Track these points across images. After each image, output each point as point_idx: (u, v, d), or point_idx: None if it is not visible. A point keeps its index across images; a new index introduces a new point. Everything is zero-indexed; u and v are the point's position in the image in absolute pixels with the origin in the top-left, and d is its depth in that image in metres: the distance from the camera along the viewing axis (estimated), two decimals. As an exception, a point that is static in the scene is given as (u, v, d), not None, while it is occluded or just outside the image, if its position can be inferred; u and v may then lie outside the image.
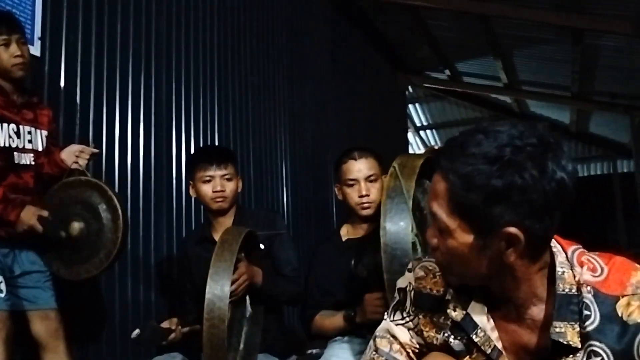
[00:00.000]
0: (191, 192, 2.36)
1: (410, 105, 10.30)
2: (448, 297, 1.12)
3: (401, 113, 9.21)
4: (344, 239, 2.33)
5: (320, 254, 2.36)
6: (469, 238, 1.02)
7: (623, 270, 1.05)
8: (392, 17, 6.80)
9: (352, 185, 2.21)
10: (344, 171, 2.23)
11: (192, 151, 3.22)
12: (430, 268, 1.18)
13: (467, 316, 1.10)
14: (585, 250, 1.10)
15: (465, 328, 1.10)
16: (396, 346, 1.21)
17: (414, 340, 1.20)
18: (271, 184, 4.18)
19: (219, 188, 2.26)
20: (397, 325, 1.21)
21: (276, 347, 2.32)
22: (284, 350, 2.38)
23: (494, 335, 1.09)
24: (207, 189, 2.28)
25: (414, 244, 1.81)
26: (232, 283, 2.01)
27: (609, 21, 6.05)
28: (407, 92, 9.56)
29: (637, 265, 1.07)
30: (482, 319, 1.10)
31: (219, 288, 1.71)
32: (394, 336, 1.22)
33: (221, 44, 3.71)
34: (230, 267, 1.76)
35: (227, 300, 1.70)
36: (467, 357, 1.12)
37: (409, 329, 1.20)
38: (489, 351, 1.09)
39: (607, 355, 1.01)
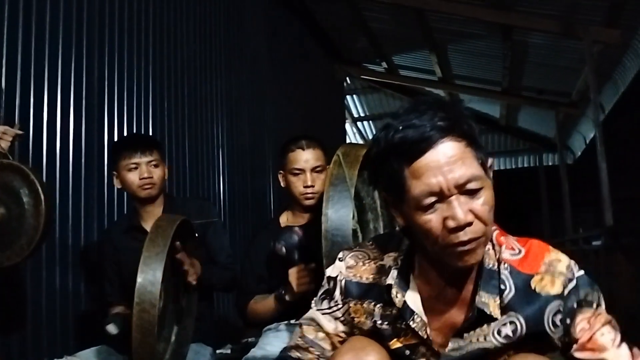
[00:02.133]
0: (116, 182, 2.29)
1: (348, 96, 10.39)
2: (390, 281, 1.15)
3: (339, 104, 9.29)
4: (282, 226, 2.33)
5: (257, 241, 2.36)
6: (489, 181, 1.08)
7: (539, 252, 1.14)
8: (330, 8, 6.83)
9: (297, 175, 2.20)
10: (291, 160, 2.22)
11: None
12: (361, 257, 1.22)
13: (405, 303, 1.14)
14: (502, 232, 1.18)
15: (403, 315, 1.15)
16: (321, 334, 1.24)
17: (339, 329, 1.23)
18: (207, 171, 4.14)
19: (145, 175, 2.21)
20: (323, 314, 1.24)
21: (210, 335, 2.31)
22: (218, 338, 2.37)
23: (426, 319, 1.14)
24: (133, 177, 2.22)
25: (354, 231, 1.83)
26: (185, 273, 1.99)
27: (537, 19, 6.30)
28: (345, 83, 9.63)
29: (552, 247, 1.15)
30: (417, 304, 1.15)
31: (151, 273, 1.68)
32: (319, 325, 1.24)
33: (157, 29, 3.62)
34: (163, 253, 1.74)
35: (158, 286, 1.68)
36: (396, 339, 1.17)
37: (335, 318, 1.23)
38: (422, 335, 1.14)
39: (521, 324, 1.10)
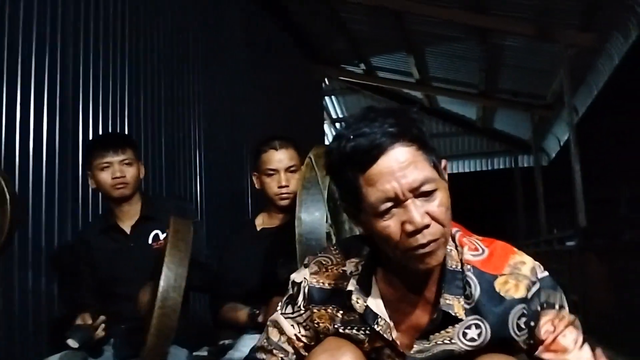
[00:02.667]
0: (90, 182, 2.24)
1: (326, 97, 10.41)
2: (351, 287, 1.17)
3: (317, 104, 9.29)
4: (258, 228, 2.31)
5: (233, 243, 2.33)
6: (443, 182, 1.09)
7: (503, 253, 1.16)
8: (309, 8, 6.83)
9: (271, 175, 2.19)
10: (264, 160, 2.20)
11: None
12: (324, 263, 1.23)
13: (367, 308, 1.15)
14: (466, 233, 1.20)
15: (366, 320, 1.15)
16: (284, 337, 1.26)
17: (301, 334, 1.24)
18: (184, 172, 4.10)
19: (118, 174, 2.17)
20: (286, 318, 1.26)
21: (186, 338, 2.28)
22: (195, 341, 2.34)
23: (391, 322, 1.15)
24: (105, 177, 2.18)
25: (328, 234, 1.83)
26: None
27: (513, 22, 6.38)
28: (323, 84, 9.64)
29: (516, 249, 1.17)
30: (379, 308, 1.16)
31: (173, 278, 1.67)
32: (282, 328, 1.26)
33: (132, 28, 3.58)
34: (186, 258, 1.72)
35: (181, 291, 1.66)
36: (367, 344, 1.18)
37: (297, 323, 1.24)
38: (388, 337, 1.15)
39: (486, 327, 1.11)
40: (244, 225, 2.44)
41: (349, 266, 1.20)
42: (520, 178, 12.26)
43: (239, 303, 2.19)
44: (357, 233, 1.99)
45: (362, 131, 1.05)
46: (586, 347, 1.13)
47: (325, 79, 9.60)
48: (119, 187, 2.18)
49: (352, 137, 1.05)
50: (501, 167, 13.02)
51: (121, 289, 2.16)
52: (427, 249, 1.05)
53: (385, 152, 1.04)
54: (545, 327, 1.11)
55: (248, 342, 2.09)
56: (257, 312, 2.07)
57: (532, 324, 1.11)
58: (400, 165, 1.04)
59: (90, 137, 3.06)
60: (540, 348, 1.12)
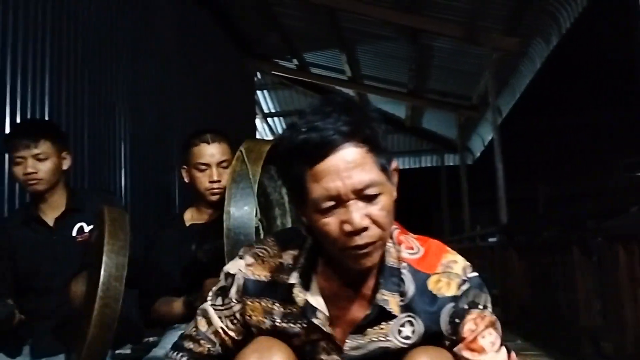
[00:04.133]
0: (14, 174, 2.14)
1: (258, 92, 10.34)
2: (292, 280, 1.15)
3: (249, 99, 9.20)
4: (187, 223, 2.25)
5: (161, 239, 2.27)
6: (390, 185, 1.09)
7: (437, 252, 1.18)
8: (242, 2, 6.76)
9: (203, 170, 2.13)
10: (195, 154, 2.13)
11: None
12: (260, 254, 1.21)
13: (307, 302, 1.15)
14: (403, 231, 1.21)
15: (305, 313, 1.15)
16: (212, 329, 1.24)
17: (228, 329, 1.23)
18: (108, 164, 3.96)
19: (29, 170, 2.05)
20: (215, 310, 1.24)
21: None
22: (118, 339, 2.26)
23: (328, 314, 1.15)
24: (18, 172, 2.07)
25: (257, 228, 1.81)
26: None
27: (443, 24, 6.54)
28: (255, 78, 9.56)
29: (449, 248, 1.20)
30: (319, 302, 1.15)
31: (114, 266, 1.62)
32: (210, 320, 1.24)
33: (56, 16, 3.41)
34: (126, 247, 1.68)
35: (123, 280, 1.62)
36: (297, 337, 1.17)
37: (226, 317, 1.23)
38: (327, 330, 1.15)
39: (419, 325, 1.13)
40: (172, 220, 2.38)
41: (286, 258, 1.19)
42: (446, 176, 12.64)
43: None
44: (284, 229, 1.98)
45: (314, 125, 1.04)
46: (503, 350, 1.16)
47: (258, 73, 9.53)
48: (31, 183, 2.07)
49: (303, 129, 1.04)
50: (428, 165, 13.37)
51: (41, 283, 2.07)
52: (363, 251, 1.06)
53: (334, 150, 1.03)
54: (467, 325, 1.14)
55: (173, 338, 2.04)
56: (193, 298, 2.02)
57: (458, 321, 1.14)
58: (347, 166, 1.03)
59: (7, 127, 2.89)
60: (460, 345, 1.14)
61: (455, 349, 1.14)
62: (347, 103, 1.09)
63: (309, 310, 1.14)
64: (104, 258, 1.63)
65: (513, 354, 1.19)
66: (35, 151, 2.06)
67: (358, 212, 1.03)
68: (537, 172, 13.89)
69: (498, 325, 1.18)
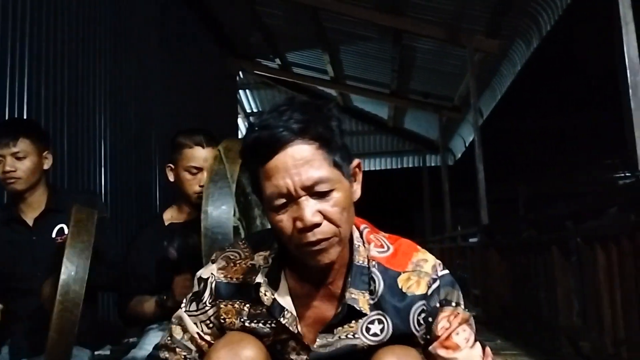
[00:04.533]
0: None
1: (241, 91, 10.29)
2: (259, 280, 1.16)
3: (231, 98, 9.15)
4: (167, 223, 2.24)
5: (140, 239, 2.26)
6: (346, 182, 1.09)
7: (407, 251, 1.19)
8: (224, 0, 6.72)
9: (194, 174, 2.10)
10: (188, 157, 2.10)
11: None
12: (232, 257, 1.22)
13: (275, 301, 1.15)
14: (374, 230, 1.22)
15: (273, 313, 1.16)
16: (187, 335, 1.24)
17: (204, 333, 1.23)
18: (88, 163, 3.91)
19: (7, 168, 2.03)
20: (190, 316, 1.24)
21: (89, 337, 2.18)
22: (97, 340, 2.24)
23: (296, 314, 1.16)
24: None
25: (236, 228, 1.80)
26: None
27: (425, 25, 6.57)
28: (238, 78, 9.52)
29: (420, 247, 1.21)
30: (287, 301, 1.16)
31: (74, 270, 1.59)
32: (185, 326, 1.24)
33: (35, 12, 3.35)
34: (88, 249, 1.65)
35: (83, 284, 1.59)
36: (272, 337, 1.18)
37: (201, 322, 1.23)
38: (294, 330, 1.15)
39: (388, 323, 1.14)
40: (152, 220, 2.36)
41: (258, 259, 1.20)
42: (427, 177, 12.69)
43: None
44: (256, 232, 1.97)
45: (267, 123, 1.06)
46: (477, 345, 1.18)
47: (240, 73, 9.48)
48: (9, 182, 2.06)
49: (257, 128, 1.07)
50: (410, 165, 13.41)
51: (20, 284, 2.05)
52: (317, 247, 1.06)
53: (283, 147, 1.04)
54: (441, 323, 1.15)
55: (152, 339, 2.03)
56: (165, 297, 2.00)
57: (430, 319, 1.15)
58: (295, 163, 1.04)
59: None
60: (435, 343, 1.15)
61: (430, 347, 1.15)
62: (305, 102, 1.11)
63: (276, 309, 1.15)
64: (64, 261, 1.61)
65: (488, 349, 1.20)
66: (14, 150, 2.04)
67: (309, 209, 1.04)
68: (518, 173, 14.02)
69: (472, 321, 1.19)
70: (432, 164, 12.74)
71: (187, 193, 2.13)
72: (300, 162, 1.04)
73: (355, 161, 1.13)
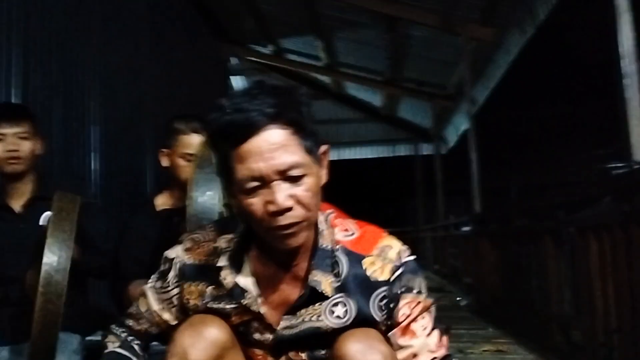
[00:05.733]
0: None
1: (232, 77, 10.22)
2: (221, 263, 1.19)
3: (223, 83, 9.09)
4: (158, 208, 2.22)
5: (132, 225, 2.24)
6: (316, 167, 1.11)
7: (373, 236, 1.21)
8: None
9: (189, 160, 2.06)
10: (184, 143, 2.08)
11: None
12: (197, 239, 1.25)
13: (236, 284, 1.17)
14: (341, 215, 1.24)
15: (234, 294, 1.18)
16: (150, 309, 1.29)
17: (165, 312, 1.27)
18: (78, 150, 3.87)
19: (11, 147, 2.02)
20: (153, 292, 1.28)
21: (79, 323, 2.16)
22: (88, 326, 2.22)
23: (259, 298, 1.18)
24: None
25: (222, 214, 1.78)
26: None
27: (420, 12, 6.53)
28: (229, 64, 9.46)
29: (386, 234, 1.22)
30: (248, 282, 1.18)
31: (56, 260, 1.56)
32: (149, 301, 1.29)
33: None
34: (71, 238, 1.62)
35: (66, 274, 1.57)
36: (235, 317, 1.19)
37: (163, 300, 1.27)
38: (255, 310, 1.17)
39: (351, 306, 1.16)
40: (143, 205, 2.34)
41: (220, 242, 1.22)
42: (420, 165, 12.71)
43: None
44: (225, 216, 1.96)
45: (240, 106, 1.06)
46: (434, 333, 1.19)
47: (232, 58, 9.42)
48: (11, 162, 2.03)
49: (229, 111, 1.07)
50: (403, 154, 13.42)
51: (6, 272, 2.02)
52: (288, 231, 1.08)
53: (257, 131, 1.05)
54: (402, 310, 1.16)
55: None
56: None
57: (392, 305, 1.16)
58: (269, 147, 1.06)
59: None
60: (394, 330, 1.17)
61: (389, 333, 1.17)
62: (276, 86, 1.12)
63: (236, 291, 1.17)
64: (45, 251, 1.58)
65: (445, 338, 1.21)
66: (18, 129, 2.03)
67: (282, 193, 1.06)
68: (511, 162, 14.05)
69: (433, 309, 1.21)
70: (425, 153, 12.75)
71: (181, 179, 2.11)
72: (275, 146, 1.06)
73: (323, 147, 1.14)
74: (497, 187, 12.59)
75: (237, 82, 10.69)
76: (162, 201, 2.23)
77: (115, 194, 4.30)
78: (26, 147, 2.05)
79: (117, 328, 1.32)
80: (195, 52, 6.80)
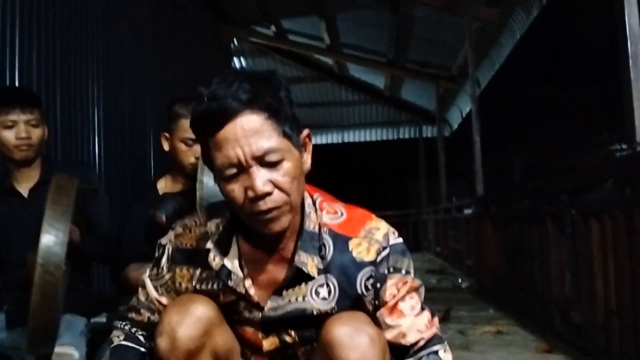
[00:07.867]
0: None
1: (235, 59, 10.18)
2: (209, 246, 1.21)
3: (225, 66, 9.05)
4: (161, 192, 2.23)
5: (134, 209, 2.25)
6: (296, 152, 1.12)
7: (360, 218, 1.22)
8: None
9: (190, 145, 2.08)
10: (184, 127, 2.06)
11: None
12: (188, 225, 1.27)
13: (223, 266, 1.20)
14: (329, 199, 1.26)
15: (221, 276, 1.20)
16: (149, 298, 1.32)
17: (163, 297, 1.29)
18: (81, 134, 3.88)
19: (23, 134, 2.03)
20: (150, 280, 1.31)
21: (85, 306, 2.19)
22: (93, 309, 2.25)
23: (246, 280, 1.20)
24: (9, 136, 2.03)
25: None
26: None
27: (423, -7, 6.46)
28: (232, 45, 9.40)
29: (375, 216, 1.24)
30: (234, 265, 1.20)
31: (55, 233, 1.58)
32: (147, 290, 1.32)
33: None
34: (68, 213, 1.64)
35: (65, 247, 1.58)
36: (223, 299, 1.23)
37: (160, 286, 1.29)
38: (241, 290, 1.20)
39: (335, 286, 1.18)
40: (146, 190, 2.35)
41: (210, 226, 1.24)
42: (423, 148, 12.68)
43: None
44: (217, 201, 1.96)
45: (215, 94, 1.07)
46: (424, 313, 1.21)
47: (234, 40, 9.37)
48: (23, 148, 2.05)
49: (206, 99, 1.08)
50: (406, 136, 13.38)
51: (14, 256, 2.04)
52: (268, 216, 1.09)
53: (232, 118, 1.06)
54: (389, 290, 1.18)
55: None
56: None
57: (379, 285, 1.18)
58: (245, 133, 1.06)
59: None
60: (382, 309, 1.19)
61: (377, 313, 1.19)
62: (252, 73, 1.13)
63: (223, 273, 1.20)
64: (44, 225, 1.60)
65: (435, 319, 1.23)
66: (30, 116, 2.05)
67: (260, 178, 1.07)
68: (514, 144, 14.00)
69: (421, 290, 1.23)
70: (429, 135, 12.72)
71: (182, 164, 2.12)
72: (250, 132, 1.06)
73: (305, 131, 1.15)
74: (500, 169, 12.57)
75: (241, 64, 10.65)
76: (165, 185, 2.24)
77: (118, 178, 4.31)
78: (36, 134, 2.07)
79: (120, 322, 1.34)
80: (197, 34, 6.76)
